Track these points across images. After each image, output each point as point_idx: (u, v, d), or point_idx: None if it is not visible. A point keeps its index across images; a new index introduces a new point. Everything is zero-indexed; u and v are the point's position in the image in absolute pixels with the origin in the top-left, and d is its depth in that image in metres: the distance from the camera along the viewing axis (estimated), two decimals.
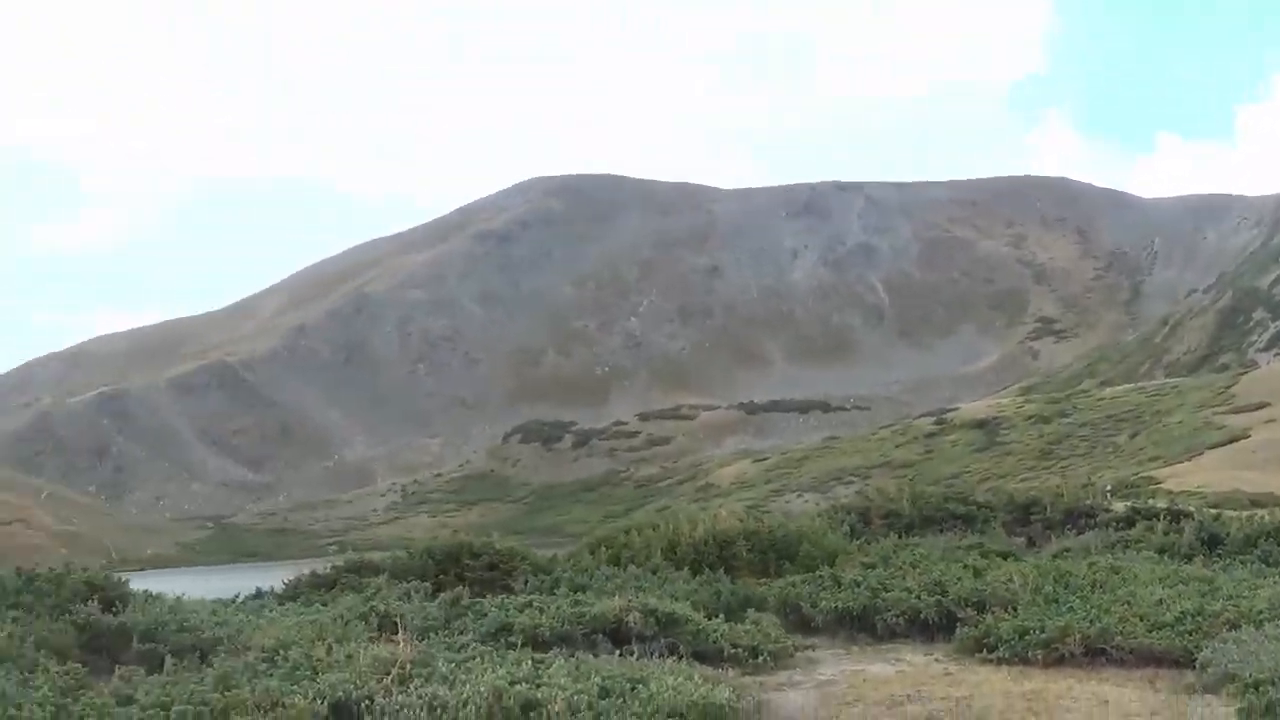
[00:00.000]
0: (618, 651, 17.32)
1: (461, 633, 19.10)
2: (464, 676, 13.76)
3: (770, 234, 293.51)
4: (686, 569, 28.10)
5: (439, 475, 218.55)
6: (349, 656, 15.20)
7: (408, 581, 25.84)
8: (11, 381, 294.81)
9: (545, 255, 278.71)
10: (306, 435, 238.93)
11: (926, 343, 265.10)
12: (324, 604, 24.37)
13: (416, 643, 15.65)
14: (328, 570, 29.14)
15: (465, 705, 12.51)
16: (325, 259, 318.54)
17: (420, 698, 12.87)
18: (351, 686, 13.40)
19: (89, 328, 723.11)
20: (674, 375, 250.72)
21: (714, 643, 18.77)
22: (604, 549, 32.40)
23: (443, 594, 23.14)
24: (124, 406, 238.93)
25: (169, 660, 16.55)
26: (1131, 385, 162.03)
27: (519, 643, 17.53)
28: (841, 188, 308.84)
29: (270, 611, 22.97)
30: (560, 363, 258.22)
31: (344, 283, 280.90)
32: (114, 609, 20.04)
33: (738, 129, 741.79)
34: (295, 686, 13.61)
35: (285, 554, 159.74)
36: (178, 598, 23.54)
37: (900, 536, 34.43)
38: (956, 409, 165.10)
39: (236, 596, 27.14)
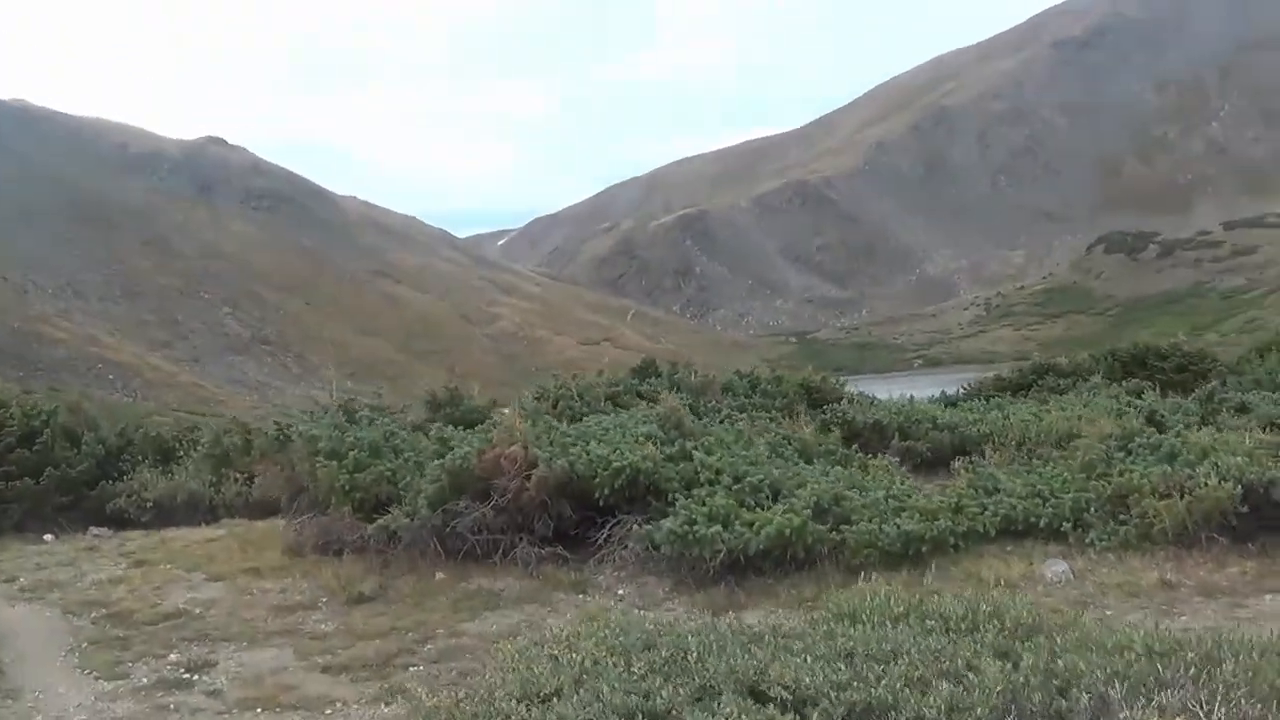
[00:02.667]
0: None
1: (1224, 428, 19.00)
2: None
3: None
4: None
5: (1021, 288, 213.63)
6: (1223, 442, 15.47)
7: (1113, 381, 26.87)
8: (592, 207, 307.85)
9: (1124, 61, 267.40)
10: (888, 250, 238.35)
11: None
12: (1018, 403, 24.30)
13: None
14: (1010, 373, 31.02)
15: None
16: (903, 72, 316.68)
17: None
18: (1257, 469, 13.82)
19: (664, 154, 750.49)
20: (1259, 182, 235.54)
21: None
22: (1274, 351, 33.40)
23: (1197, 390, 23.91)
24: (706, 226, 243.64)
25: (989, 453, 17.95)
26: None
27: None
28: None
29: (1005, 409, 23.01)
30: (1142, 171, 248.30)
31: (923, 96, 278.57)
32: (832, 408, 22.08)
33: None
34: (1191, 470, 14.01)
35: (870, 368, 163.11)
36: (910, 397, 25.20)
37: None
38: None
39: (909, 399, 27.04)
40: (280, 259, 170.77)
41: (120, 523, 21.17)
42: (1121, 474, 14.63)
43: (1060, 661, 6.83)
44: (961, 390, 30.53)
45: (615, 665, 7.07)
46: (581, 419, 18.48)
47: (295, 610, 12.73)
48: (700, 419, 18.90)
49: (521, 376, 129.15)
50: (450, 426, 17.72)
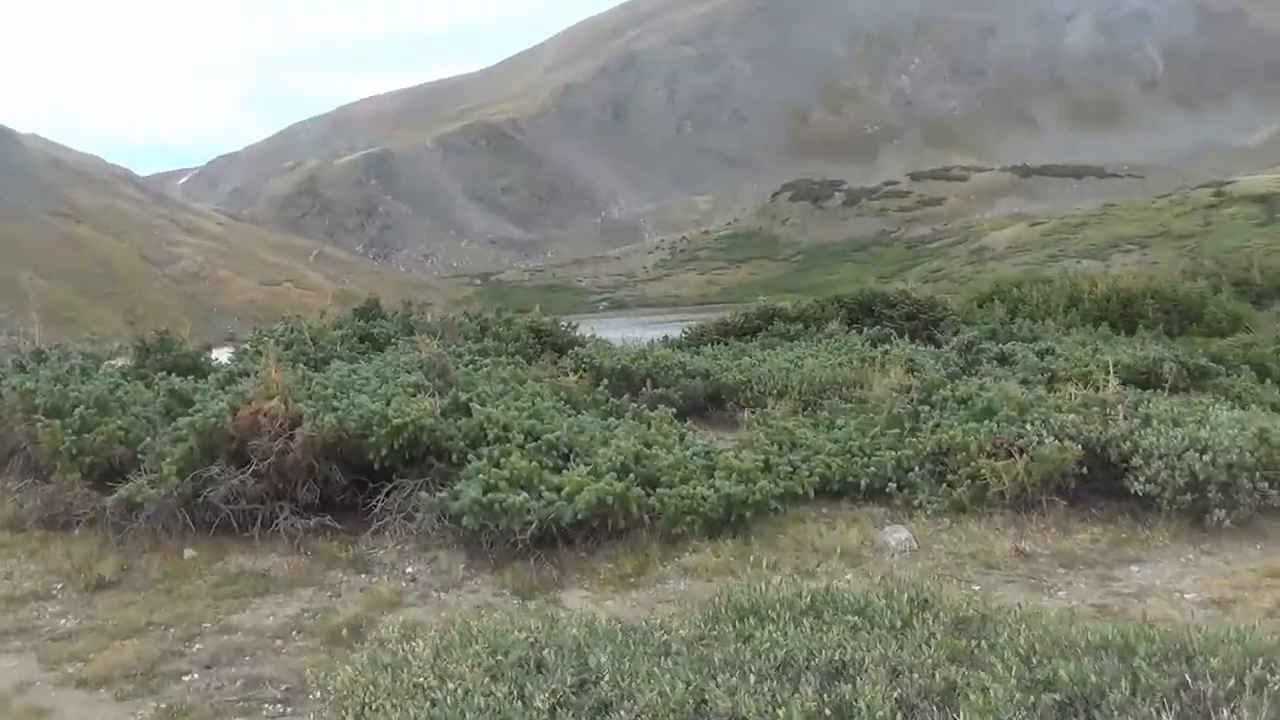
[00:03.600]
0: None
1: (989, 376, 18.79)
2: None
3: None
4: (1090, 325, 28.05)
5: (707, 233, 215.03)
6: (1038, 398, 14.74)
7: (850, 327, 26.32)
8: (274, 145, 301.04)
9: (814, 11, 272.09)
10: (574, 193, 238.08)
11: (1201, 112, 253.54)
12: (757, 349, 23.90)
13: (1119, 386, 15.13)
14: (735, 317, 29.83)
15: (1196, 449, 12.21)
16: (594, 15, 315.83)
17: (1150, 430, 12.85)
18: (1094, 428, 13.04)
19: (348, 92, 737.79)
20: (945, 135, 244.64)
21: (1237, 394, 18.57)
22: (995, 301, 33.02)
23: (956, 338, 23.54)
24: (390, 166, 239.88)
25: (771, 404, 17.09)
26: None
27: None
28: None
29: (754, 355, 22.56)
30: (829, 120, 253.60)
31: (612, 39, 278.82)
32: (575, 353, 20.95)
33: None
34: (1019, 428, 13.10)
35: (555, 309, 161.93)
36: (651, 342, 24.61)
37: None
38: (1235, 181, 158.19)
39: (650, 343, 25.96)
40: None
41: None
42: (936, 429, 13.72)
43: (1061, 671, 5.57)
44: (684, 334, 29.78)
45: (510, 698, 5.50)
46: (320, 367, 16.66)
47: (27, 601, 10.46)
48: None
49: (203, 318, 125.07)
50: (171, 375, 15.65)
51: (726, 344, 25.91)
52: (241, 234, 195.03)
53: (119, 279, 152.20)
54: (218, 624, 9.71)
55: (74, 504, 12.10)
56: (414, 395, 12.93)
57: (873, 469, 13.12)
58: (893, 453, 13.43)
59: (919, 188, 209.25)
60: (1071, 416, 13.27)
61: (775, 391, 18.34)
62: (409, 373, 14.58)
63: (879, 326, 26.34)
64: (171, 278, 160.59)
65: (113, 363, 18.63)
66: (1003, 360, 21.42)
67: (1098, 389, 15.06)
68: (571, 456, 12.25)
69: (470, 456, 11.91)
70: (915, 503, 12.66)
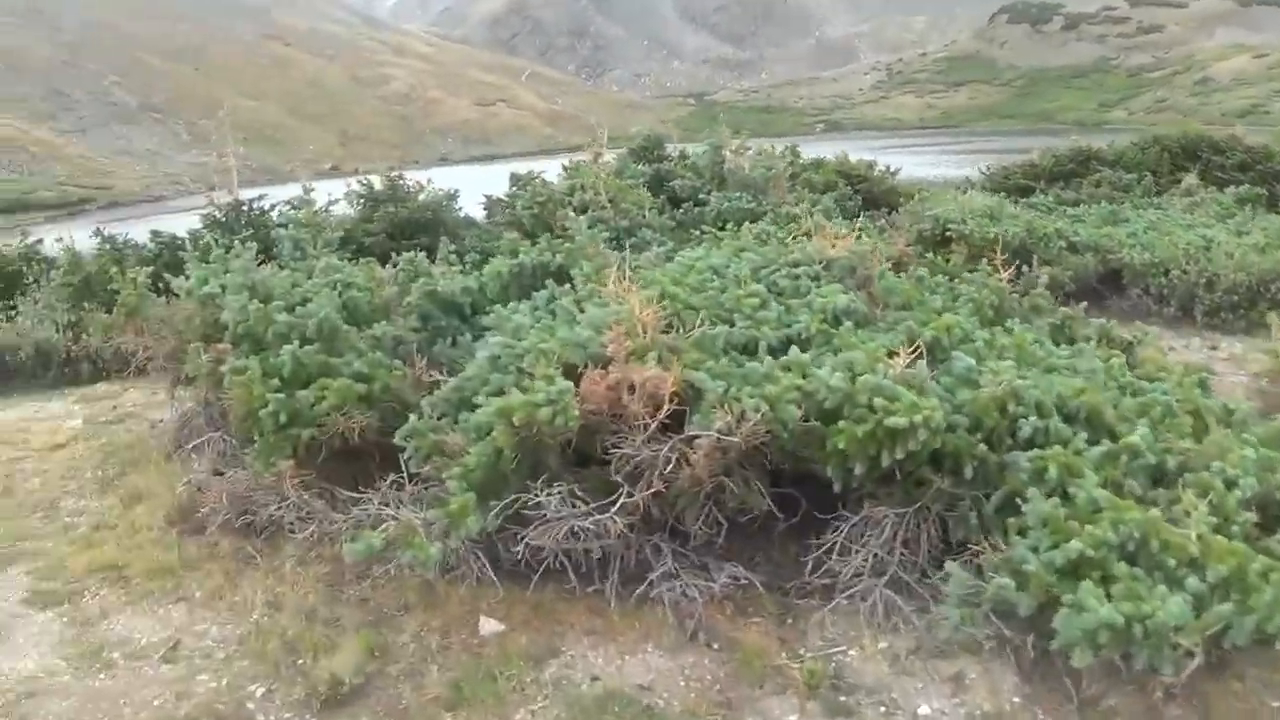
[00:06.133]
0: None
1: None
2: None
3: None
4: None
5: (924, 54, 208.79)
6: None
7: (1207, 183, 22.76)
8: None
9: None
10: (787, 12, 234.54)
11: None
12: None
13: None
14: (1044, 159, 25.79)
15: None
16: None
17: None
18: None
19: None
20: None
21: None
22: None
23: None
24: None
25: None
26: None
27: None
28: None
29: (1134, 221, 18.04)
30: None
31: None
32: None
33: None
34: None
35: (772, 131, 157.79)
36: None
37: None
38: None
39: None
40: (167, 25, 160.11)
41: None
42: None
43: None
44: (983, 174, 26.20)
45: None
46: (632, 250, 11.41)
47: None
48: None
49: (416, 139, 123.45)
50: (417, 253, 10.54)
51: (1045, 192, 22.27)
52: (452, 54, 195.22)
53: (329, 99, 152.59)
54: None
55: (287, 513, 6.98)
56: (856, 332, 7.49)
57: None
58: None
59: (1138, 13, 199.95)
60: None
61: (1203, 282, 14.07)
62: (813, 280, 8.92)
63: (1238, 185, 21.98)
64: (383, 99, 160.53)
65: (334, 233, 13.44)
66: None
67: None
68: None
69: (1001, 470, 6.34)
70: None
